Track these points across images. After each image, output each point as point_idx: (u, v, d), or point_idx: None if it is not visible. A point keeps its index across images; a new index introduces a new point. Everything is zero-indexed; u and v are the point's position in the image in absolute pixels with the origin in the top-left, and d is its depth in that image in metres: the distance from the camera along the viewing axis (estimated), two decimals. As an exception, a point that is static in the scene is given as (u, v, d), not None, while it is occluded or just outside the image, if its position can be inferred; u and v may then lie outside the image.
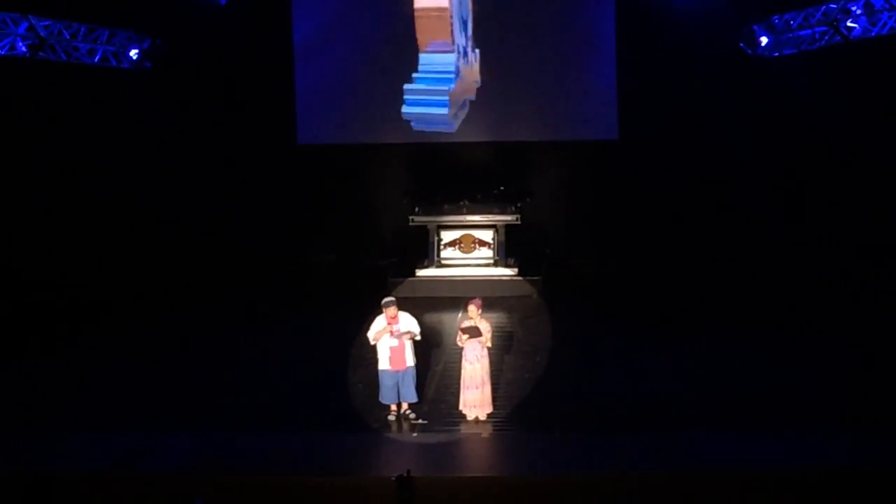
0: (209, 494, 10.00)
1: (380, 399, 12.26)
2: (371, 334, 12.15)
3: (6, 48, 15.74)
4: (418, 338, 12.33)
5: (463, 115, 18.28)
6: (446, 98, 16.70)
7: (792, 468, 10.60)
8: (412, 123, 17.28)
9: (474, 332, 12.05)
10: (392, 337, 12.04)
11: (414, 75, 16.67)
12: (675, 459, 10.99)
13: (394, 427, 12.09)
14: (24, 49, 15.97)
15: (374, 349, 12.21)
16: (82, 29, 16.91)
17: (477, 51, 18.17)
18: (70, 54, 16.79)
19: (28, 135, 16.38)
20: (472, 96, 18.77)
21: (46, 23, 16.18)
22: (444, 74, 16.55)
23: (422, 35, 16.17)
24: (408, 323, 12.20)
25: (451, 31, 16.14)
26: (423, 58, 16.47)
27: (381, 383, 12.19)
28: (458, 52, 16.73)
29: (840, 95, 16.52)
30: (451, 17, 16.08)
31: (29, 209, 16.53)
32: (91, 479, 10.79)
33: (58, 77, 16.76)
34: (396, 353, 12.05)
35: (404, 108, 16.82)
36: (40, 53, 16.16)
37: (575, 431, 11.80)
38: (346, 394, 13.20)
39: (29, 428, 12.26)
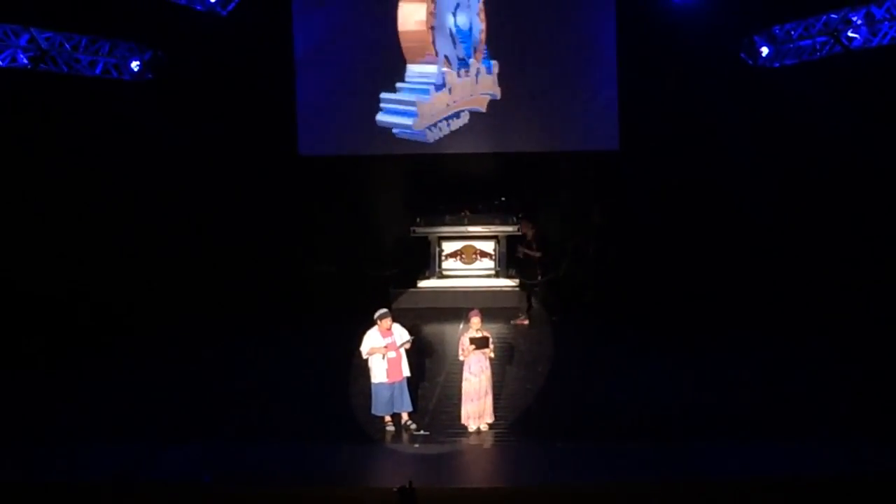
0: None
1: (373, 412, 12.20)
2: (364, 349, 12.08)
3: (7, 60, 15.76)
4: (408, 346, 12.24)
5: (450, 126, 19.27)
6: (415, 109, 19.06)
7: (794, 476, 10.57)
8: (394, 131, 19.24)
9: (481, 343, 12.00)
10: (388, 350, 11.99)
11: (398, 85, 19.15)
12: (677, 469, 10.96)
13: (395, 438, 12.06)
14: (25, 61, 15.98)
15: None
16: (83, 41, 16.92)
17: (492, 62, 19.11)
18: (71, 66, 16.79)
19: (30, 146, 16.37)
20: (481, 108, 19.08)
21: (48, 35, 16.19)
22: (422, 86, 19.09)
23: (409, 53, 19.04)
24: (400, 334, 12.16)
25: (434, 48, 18.90)
26: (410, 69, 19.09)
27: (375, 396, 12.12)
28: (450, 65, 18.97)
29: (841, 106, 16.49)
30: (433, 36, 18.86)
31: (33, 220, 16.52)
32: (94, 489, 10.77)
33: (59, 89, 16.76)
34: (394, 364, 12.02)
35: (378, 116, 19.24)
36: (41, 65, 16.16)
37: (576, 441, 11.77)
38: (348, 405, 13.16)
39: (34, 438, 12.25)
